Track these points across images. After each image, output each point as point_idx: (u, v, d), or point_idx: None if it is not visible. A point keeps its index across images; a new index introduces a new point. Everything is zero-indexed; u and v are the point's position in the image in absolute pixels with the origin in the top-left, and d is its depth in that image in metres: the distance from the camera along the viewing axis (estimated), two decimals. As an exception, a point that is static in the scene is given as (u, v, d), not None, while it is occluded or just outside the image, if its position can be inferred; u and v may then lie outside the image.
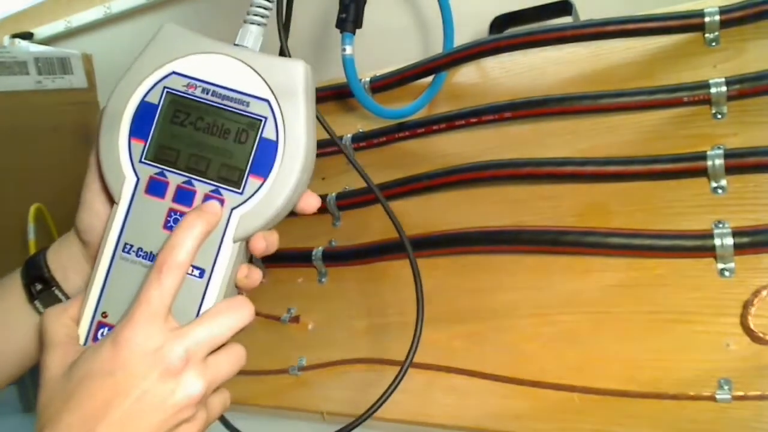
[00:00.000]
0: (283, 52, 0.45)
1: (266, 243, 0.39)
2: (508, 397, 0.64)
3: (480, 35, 0.75)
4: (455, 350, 0.69)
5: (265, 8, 0.40)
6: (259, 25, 0.40)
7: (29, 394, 1.03)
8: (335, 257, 0.79)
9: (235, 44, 0.39)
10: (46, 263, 0.43)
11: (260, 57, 0.38)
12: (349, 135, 0.82)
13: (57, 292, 0.43)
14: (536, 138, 0.70)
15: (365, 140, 0.81)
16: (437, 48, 0.77)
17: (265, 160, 0.37)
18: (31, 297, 0.43)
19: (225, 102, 0.37)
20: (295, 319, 0.81)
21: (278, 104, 0.37)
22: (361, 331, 0.77)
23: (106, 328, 0.37)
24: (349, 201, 0.79)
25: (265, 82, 0.37)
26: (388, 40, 0.89)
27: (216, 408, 0.38)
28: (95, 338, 0.37)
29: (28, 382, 1.01)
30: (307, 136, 0.37)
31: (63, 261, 0.43)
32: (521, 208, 0.68)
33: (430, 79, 0.78)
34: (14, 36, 1.31)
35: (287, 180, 0.37)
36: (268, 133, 0.37)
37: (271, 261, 0.81)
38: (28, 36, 1.34)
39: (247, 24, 0.40)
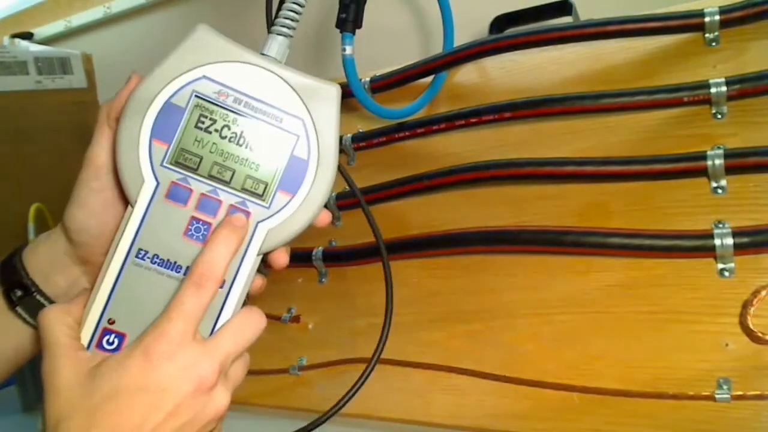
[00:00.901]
0: None
1: (287, 257, 0.39)
2: (507, 397, 0.64)
3: (480, 35, 0.75)
4: (455, 350, 0.69)
5: (293, 20, 0.40)
6: (286, 36, 0.39)
7: (29, 394, 1.03)
8: (335, 257, 0.79)
9: (262, 53, 0.39)
10: (23, 266, 0.41)
11: (297, 75, 0.38)
12: (349, 135, 0.82)
13: (39, 297, 0.40)
14: (536, 138, 0.70)
15: (365, 140, 0.81)
16: (437, 48, 0.77)
17: (294, 176, 0.37)
18: (12, 303, 0.40)
19: (258, 114, 0.37)
20: (296, 319, 0.81)
21: (314, 126, 0.38)
22: (361, 330, 0.76)
23: (113, 335, 0.36)
24: (349, 201, 0.79)
25: (303, 102, 0.38)
26: (388, 40, 0.89)
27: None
28: (99, 344, 0.36)
29: (29, 381, 1.01)
30: (337, 158, 0.38)
31: (42, 262, 0.41)
32: (521, 208, 0.68)
33: (430, 79, 0.78)
34: (14, 36, 1.31)
35: (317, 198, 0.38)
36: (300, 151, 0.38)
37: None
38: (28, 36, 1.34)
39: (274, 34, 0.39)
